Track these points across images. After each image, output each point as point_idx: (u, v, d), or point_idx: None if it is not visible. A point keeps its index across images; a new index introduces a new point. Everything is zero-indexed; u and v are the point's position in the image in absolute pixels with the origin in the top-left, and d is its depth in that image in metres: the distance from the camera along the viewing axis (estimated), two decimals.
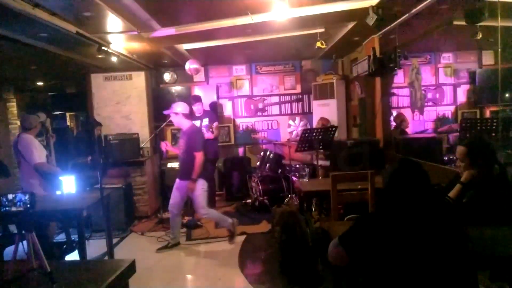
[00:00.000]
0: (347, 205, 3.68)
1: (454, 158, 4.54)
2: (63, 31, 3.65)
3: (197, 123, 5.47)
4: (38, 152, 3.85)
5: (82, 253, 3.28)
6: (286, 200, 5.42)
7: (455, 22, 4.42)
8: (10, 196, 1.75)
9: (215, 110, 6.57)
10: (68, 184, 4.47)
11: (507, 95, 4.92)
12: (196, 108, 5.53)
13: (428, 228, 1.55)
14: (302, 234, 3.20)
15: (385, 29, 4.60)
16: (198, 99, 5.63)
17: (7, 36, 3.72)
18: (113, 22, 3.81)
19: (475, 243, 1.75)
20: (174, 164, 6.11)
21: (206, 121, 5.53)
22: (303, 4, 3.81)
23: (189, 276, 3.82)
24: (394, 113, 6.19)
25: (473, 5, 3.69)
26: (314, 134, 4.81)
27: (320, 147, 4.89)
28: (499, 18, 3.32)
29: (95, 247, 4.19)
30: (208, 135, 5.29)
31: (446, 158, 4.77)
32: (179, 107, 4.15)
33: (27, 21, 3.21)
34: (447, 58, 6.86)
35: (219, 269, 3.82)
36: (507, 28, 3.61)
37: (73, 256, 4.11)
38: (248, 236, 4.44)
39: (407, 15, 3.99)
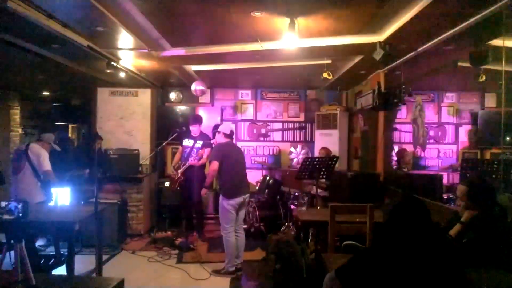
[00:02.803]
0: (344, 237, 3.61)
1: (454, 197, 4.50)
2: (75, 43, 3.70)
3: (190, 142, 5.39)
4: (47, 161, 4.14)
5: (70, 268, 3.19)
6: (283, 228, 5.33)
7: (460, 63, 4.50)
8: (3, 204, 1.71)
9: (213, 136, 6.32)
10: (63, 196, 4.42)
11: (507, 138, 4.93)
12: (192, 129, 5.40)
13: (427, 267, 1.51)
14: (297, 265, 3.11)
15: (391, 65, 4.68)
16: (198, 120, 5.47)
17: (18, 44, 3.77)
18: (124, 39, 3.88)
19: (473, 285, 1.70)
20: (169, 182, 6.04)
21: (199, 144, 5.32)
22: (313, 36, 3.88)
23: None
24: (396, 148, 6.19)
25: (478, 48, 3.77)
26: (315, 163, 4.79)
27: (321, 176, 4.86)
28: (503, 63, 3.37)
29: (84, 263, 4.08)
30: (194, 162, 5.15)
31: (446, 197, 4.72)
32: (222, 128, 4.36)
33: (40, 31, 3.26)
34: (450, 97, 6.95)
35: None
36: (510, 72, 3.66)
37: (61, 270, 4.01)
38: (241, 263, 4.32)
39: (413, 52, 4.07)
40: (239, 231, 4.25)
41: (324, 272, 2.15)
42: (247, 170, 4.38)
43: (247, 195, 4.24)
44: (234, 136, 4.47)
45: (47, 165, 4.11)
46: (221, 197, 4.12)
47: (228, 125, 4.47)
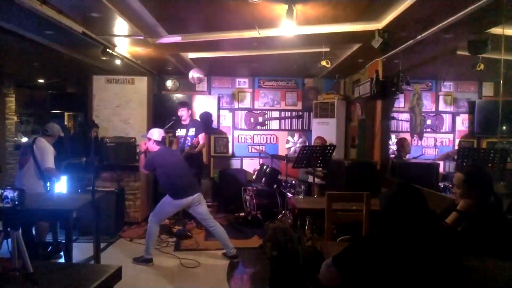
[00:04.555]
0: (341, 226, 3.64)
1: (450, 185, 4.53)
2: (69, 30, 3.64)
3: (183, 132, 5.39)
4: (51, 158, 4.11)
5: (68, 256, 3.20)
6: (280, 216, 5.37)
7: (458, 52, 4.47)
8: None
9: (205, 121, 6.32)
10: (60, 184, 4.42)
11: (504, 127, 4.94)
12: (180, 114, 5.38)
13: (425, 254, 1.52)
14: (293, 252, 3.13)
15: (389, 53, 4.65)
16: (184, 105, 5.49)
17: (12, 31, 3.71)
18: (120, 25, 3.82)
19: (468, 273, 1.71)
20: None
21: (192, 131, 5.35)
22: (311, 23, 3.84)
23: None
24: (393, 136, 6.20)
25: (477, 37, 3.75)
26: (312, 151, 4.79)
27: (318, 165, 4.87)
28: (502, 51, 3.36)
29: (82, 250, 4.11)
30: (188, 149, 5.12)
31: (442, 185, 4.76)
32: (153, 135, 4.24)
33: (34, 17, 3.21)
34: (448, 86, 6.93)
35: (207, 282, 3.74)
36: (509, 61, 3.64)
37: (59, 258, 4.03)
38: (238, 251, 4.37)
39: (412, 41, 4.04)
40: (212, 225, 4.21)
41: (321, 259, 2.17)
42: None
43: (197, 194, 4.12)
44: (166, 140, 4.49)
45: (49, 162, 4.07)
46: (168, 195, 4.11)
47: (159, 131, 4.26)
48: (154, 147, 4.20)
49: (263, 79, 7.17)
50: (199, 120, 6.09)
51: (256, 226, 5.34)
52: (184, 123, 5.42)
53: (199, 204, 4.16)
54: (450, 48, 4.42)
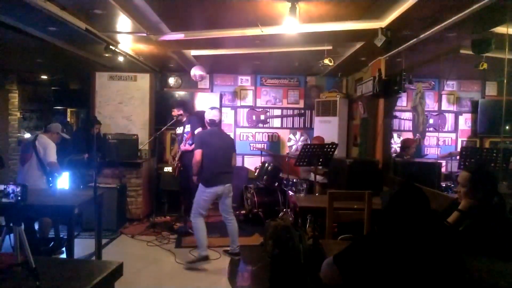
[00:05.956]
0: (342, 224, 3.63)
1: (451, 185, 4.52)
2: (72, 26, 3.65)
3: (180, 129, 5.36)
4: (54, 153, 4.19)
5: (70, 252, 3.22)
6: (281, 214, 5.36)
7: (462, 51, 4.45)
8: (1, 187, 1.70)
9: (200, 117, 6.33)
10: (62, 180, 4.44)
11: (507, 127, 4.93)
12: (175, 114, 5.29)
13: (426, 253, 1.52)
14: (294, 250, 3.14)
15: (392, 52, 4.63)
16: (177, 104, 5.40)
17: (16, 27, 3.72)
18: (123, 22, 3.83)
19: (470, 273, 1.71)
20: (171, 169, 6.05)
21: (188, 128, 5.25)
22: (313, 21, 3.83)
23: (176, 285, 3.74)
24: (395, 135, 6.19)
25: (481, 36, 3.73)
26: (314, 149, 4.78)
27: (319, 163, 4.86)
28: (506, 50, 3.34)
29: (84, 246, 4.12)
30: (185, 147, 5.07)
31: (444, 185, 4.74)
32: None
33: (38, 13, 3.21)
34: (451, 85, 6.91)
35: (208, 279, 3.75)
36: None
37: (60, 253, 4.05)
38: (238, 247, 4.38)
39: (415, 39, 4.02)
40: (230, 219, 4.23)
41: (322, 258, 2.17)
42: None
43: (228, 185, 4.14)
44: (220, 123, 4.39)
45: (52, 156, 4.13)
46: (200, 184, 4.10)
47: (212, 112, 4.28)
48: (206, 127, 4.33)
49: (265, 77, 7.17)
50: (195, 118, 6.01)
51: (257, 224, 5.34)
52: (177, 119, 5.39)
53: (228, 197, 4.22)
54: (453, 46, 4.40)
